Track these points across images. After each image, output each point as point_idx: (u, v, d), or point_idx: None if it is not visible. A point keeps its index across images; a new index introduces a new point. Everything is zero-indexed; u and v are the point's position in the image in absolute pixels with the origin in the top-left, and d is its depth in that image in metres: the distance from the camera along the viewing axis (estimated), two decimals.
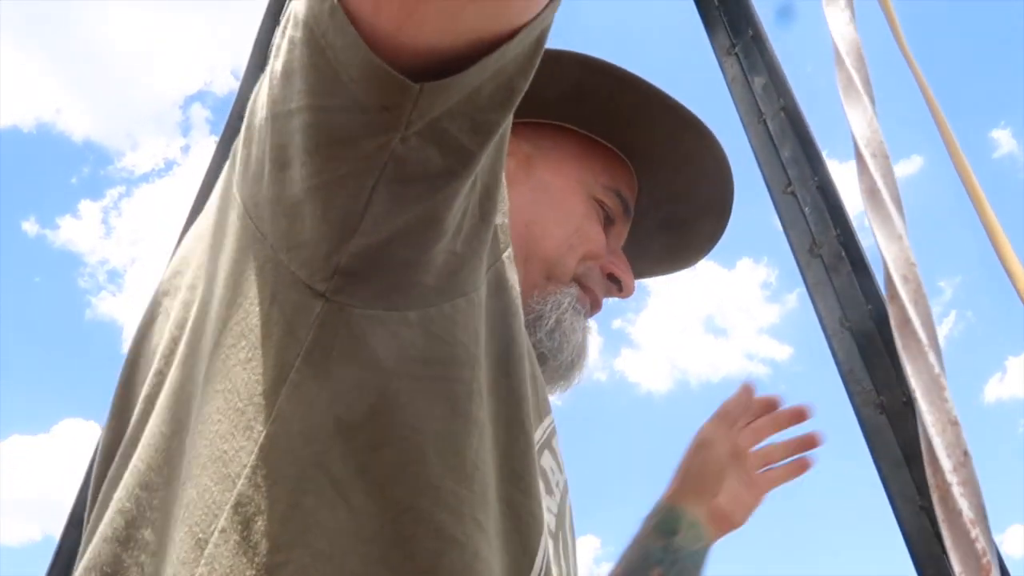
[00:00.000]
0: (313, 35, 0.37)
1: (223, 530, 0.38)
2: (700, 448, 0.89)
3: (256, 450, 0.40)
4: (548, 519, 0.51)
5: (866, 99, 0.31)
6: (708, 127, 0.81)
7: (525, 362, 0.51)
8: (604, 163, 0.79)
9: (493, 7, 0.36)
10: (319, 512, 0.39)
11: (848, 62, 0.32)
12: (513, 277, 0.53)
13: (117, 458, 0.48)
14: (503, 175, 0.47)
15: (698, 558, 0.85)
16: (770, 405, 0.88)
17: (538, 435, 0.54)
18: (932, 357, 0.26)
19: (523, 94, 0.42)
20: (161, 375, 0.48)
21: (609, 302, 0.80)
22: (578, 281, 0.74)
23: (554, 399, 0.76)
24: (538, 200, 0.75)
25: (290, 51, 0.39)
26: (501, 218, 0.53)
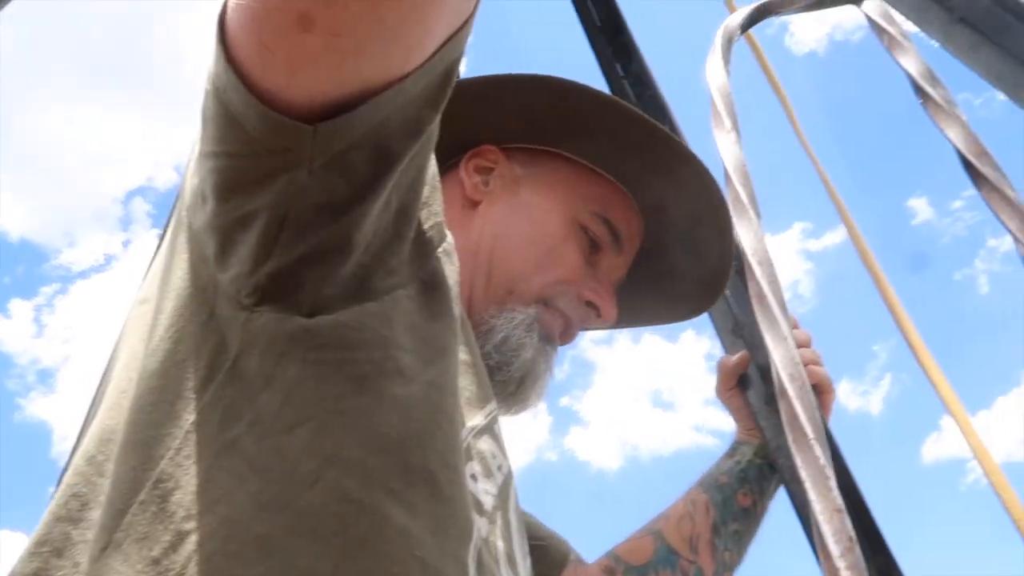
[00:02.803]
0: (216, 90, 0.42)
1: (143, 501, 0.43)
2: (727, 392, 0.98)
3: (182, 435, 0.45)
4: (486, 500, 0.55)
5: (752, 213, 0.35)
6: (707, 169, 0.82)
7: (456, 350, 0.55)
8: (599, 192, 0.81)
9: (370, 63, 0.40)
10: (230, 485, 0.43)
11: (735, 180, 0.36)
12: (448, 271, 0.57)
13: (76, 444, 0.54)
14: (422, 192, 0.52)
15: (765, 471, 0.95)
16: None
17: (479, 420, 0.58)
18: (818, 450, 0.28)
19: (436, 122, 0.47)
20: (109, 374, 0.54)
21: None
22: (546, 303, 0.75)
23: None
24: (514, 216, 0.77)
25: (205, 100, 0.44)
26: (435, 218, 0.57)
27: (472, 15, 0.43)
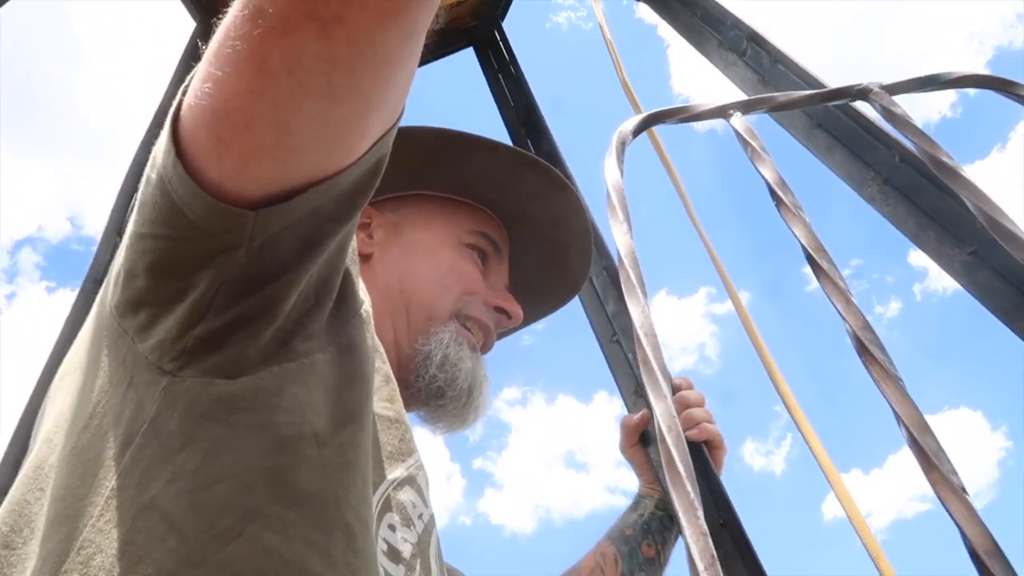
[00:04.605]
0: (162, 180, 0.45)
1: (66, 571, 0.44)
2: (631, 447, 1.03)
3: (103, 502, 0.46)
4: (404, 548, 0.58)
5: (639, 293, 0.42)
6: (555, 171, 0.88)
7: (370, 411, 0.57)
8: (467, 213, 0.87)
9: (315, 160, 0.44)
10: (150, 545, 0.44)
11: (627, 264, 0.43)
12: (366, 335, 0.60)
13: None
14: (343, 266, 0.56)
15: (666, 522, 1.01)
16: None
17: (399, 472, 0.60)
18: (688, 486, 0.35)
19: (364, 205, 0.50)
20: (28, 454, 0.54)
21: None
22: (461, 315, 0.80)
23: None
24: (409, 255, 0.82)
25: (147, 186, 0.47)
26: (352, 285, 0.60)
27: (400, 116, 0.48)
